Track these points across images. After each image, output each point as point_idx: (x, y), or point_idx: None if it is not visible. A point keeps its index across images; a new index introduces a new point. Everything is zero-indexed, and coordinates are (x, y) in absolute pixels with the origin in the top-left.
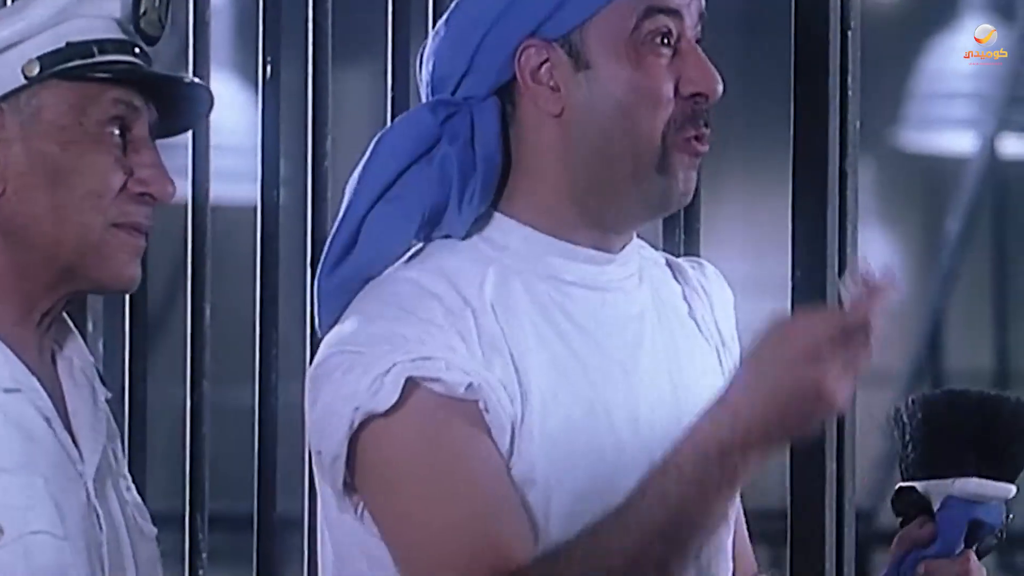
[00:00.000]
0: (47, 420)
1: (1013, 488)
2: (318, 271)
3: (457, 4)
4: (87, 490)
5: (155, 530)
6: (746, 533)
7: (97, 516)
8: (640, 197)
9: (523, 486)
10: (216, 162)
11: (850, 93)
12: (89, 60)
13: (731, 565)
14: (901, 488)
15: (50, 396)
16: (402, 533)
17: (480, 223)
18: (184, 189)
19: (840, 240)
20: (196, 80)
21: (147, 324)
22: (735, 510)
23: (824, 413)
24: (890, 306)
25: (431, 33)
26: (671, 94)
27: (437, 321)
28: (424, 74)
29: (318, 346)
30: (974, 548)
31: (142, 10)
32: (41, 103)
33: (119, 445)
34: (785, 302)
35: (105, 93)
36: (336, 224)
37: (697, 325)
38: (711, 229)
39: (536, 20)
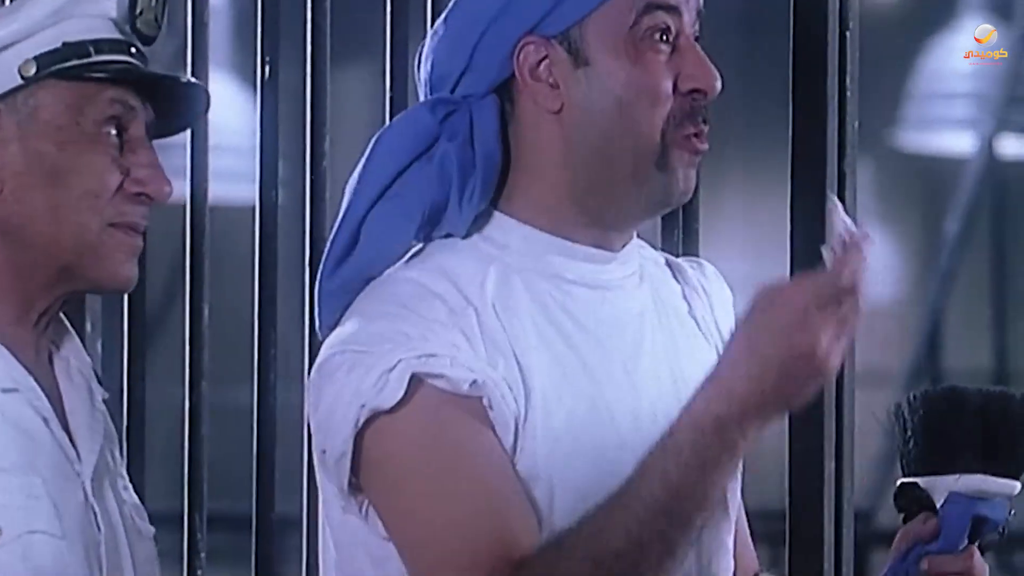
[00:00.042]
0: (44, 420)
1: (1018, 485)
2: (319, 272)
3: (456, 3)
4: (85, 490)
5: (152, 529)
6: (747, 531)
7: (95, 516)
8: (640, 194)
9: (527, 483)
10: (214, 162)
11: (849, 93)
12: (85, 60)
13: (732, 563)
14: (903, 484)
15: (47, 396)
16: (407, 530)
17: (480, 222)
18: (183, 189)
19: None
20: (193, 80)
21: (145, 324)
22: (737, 507)
23: (819, 378)
24: (870, 260)
25: (429, 32)
26: (670, 90)
27: (440, 319)
28: (423, 73)
29: (317, 346)
30: (976, 544)
31: (138, 10)
32: (38, 103)
33: (116, 445)
34: None
35: (102, 93)
36: (336, 225)
37: (697, 324)
38: (710, 229)
39: (535, 17)
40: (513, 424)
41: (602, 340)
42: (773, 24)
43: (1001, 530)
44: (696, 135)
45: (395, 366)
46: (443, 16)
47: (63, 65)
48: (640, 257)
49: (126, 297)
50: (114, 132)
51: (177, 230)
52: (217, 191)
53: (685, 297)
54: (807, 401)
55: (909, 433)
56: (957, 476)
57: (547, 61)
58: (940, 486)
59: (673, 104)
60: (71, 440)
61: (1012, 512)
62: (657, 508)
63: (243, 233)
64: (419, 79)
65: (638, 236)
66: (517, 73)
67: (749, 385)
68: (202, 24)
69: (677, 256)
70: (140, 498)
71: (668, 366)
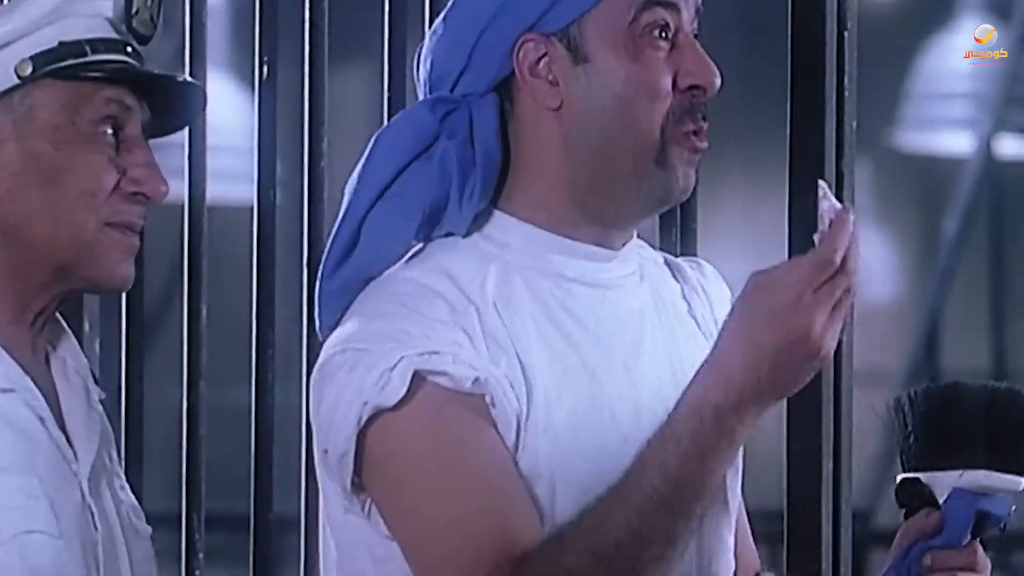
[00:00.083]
0: (41, 420)
1: (1022, 480)
2: (319, 273)
3: (455, 2)
4: (82, 490)
5: (149, 529)
6: (749, 530)
7: (92, 515)
8: (639, 191)
9: (529, 481)
10: (212, 163)
11: (847, 93)
12: (81, 59)
13: (733, 561)
14: (904, 479)
15: (44, 396)
16: (410, 527)
17: (480, 221)
18: (181, 190)
19: None
20: (188, 79)
21: (143, 324)
22: (737, 505)
23: (815, 361)
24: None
25: (429, 32)
26: (669, 87)
27: (441, 318)
28: (422, 73)
29: (315, 346)
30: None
31: (134, 9)
32: (34, 102)
33: (113, 446)
34: None
35: (98, 92)
36: (336, 225)
37: (696, 323)
38: (708, 229)
39: (534, 15)
40: (515, 422)
41: (602, 338)
42: (771, 24)
43: (1002, 526)
44: (696, 133)
45: (397, 364)
46: (442, 15)
47: (59, 64)
48: (640, 257)
49: (124, 297)
50: (110, 131)
51: (175, 230)
52: (215, 191)
53: (685, 297)
54: (804, 385)
55: (909, 428)
56: (960, 472)
57: (546, 58)
58: (943, 482)
59: (673, 101)
60: (68, 440)
61: (1012, 507)
62: (657, 499)
63: (241, 233)
64: (418, 79)
65: (637, 236)
66: (517, 71)
67: (745, 372)
68: (200, 24)
69: (675, 256)
70: (138, 498)
71: (668, 364)
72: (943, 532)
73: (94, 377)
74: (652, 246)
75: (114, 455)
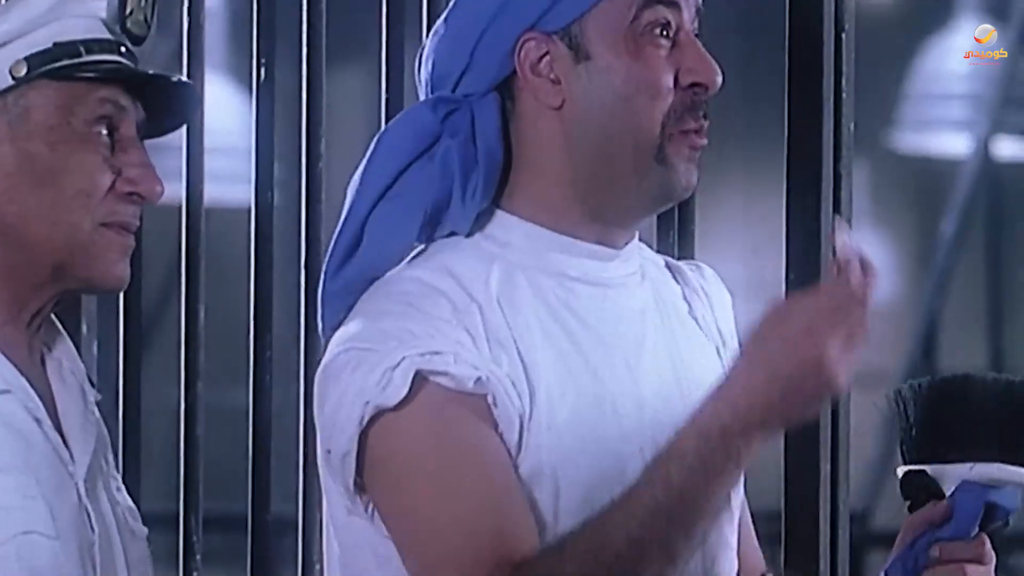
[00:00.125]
0: (37, 421)
1: None
2: (323, 274)
3: (456, 2)
4: (78, 491)
5: (146, 530)
6: (752, 531)
7: (88, 516)
8: (640, 189)
9: (532, 480)
10: (210, 164)
11: (844, 95)
12: (76, 60)
13: (735, 561)
14: (909, 472)
15: (40, 397)
16: (408, 527)
17: (482, 220)
18: (178, 191)
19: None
20: (183, 78)
21: (141, 326)
22: (740, 506)
23: (826, 391)
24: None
25: (430, 32)
26: (671, 84)
27: (444, 317)
28: (423, 73)
29: (312, 347)
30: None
31: (128, 10)
32: (29, 103)
33: (109, 447)
34: None
35: (92, 93)
36: (339, 226)
37: (698, 324)
38: (706, 230)
39: (536, 13)
40: (517, 421)
41: (605, 337)
42: (770, 25)
43: (1008, 519)
44: (696, 131)
45: (399, 363)
46: (443, 16)
47: (54, 65)
48: (641, 257)
49: (122, 298)
50: (105, 132)
51: (173, 231)
52: (213, 192)
53: (685, 298)
54: (813, 414)
55: (911, 420)
56: (971, 464)
57: (548, 57)
58: (952, 474)
59: (674, 98)
60: (64, 441)
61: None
62: (658, 511)
63: (239, 234)
64: (419, 79)
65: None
66: (518, 69)
67: (756, 397)
68: (198, 25)
69: (673, 258)
70: (136, 499)
71: (670, 363)
72: (951, 523)
73: (90, 379)
74: (649, 248)
75: (110, 457)
